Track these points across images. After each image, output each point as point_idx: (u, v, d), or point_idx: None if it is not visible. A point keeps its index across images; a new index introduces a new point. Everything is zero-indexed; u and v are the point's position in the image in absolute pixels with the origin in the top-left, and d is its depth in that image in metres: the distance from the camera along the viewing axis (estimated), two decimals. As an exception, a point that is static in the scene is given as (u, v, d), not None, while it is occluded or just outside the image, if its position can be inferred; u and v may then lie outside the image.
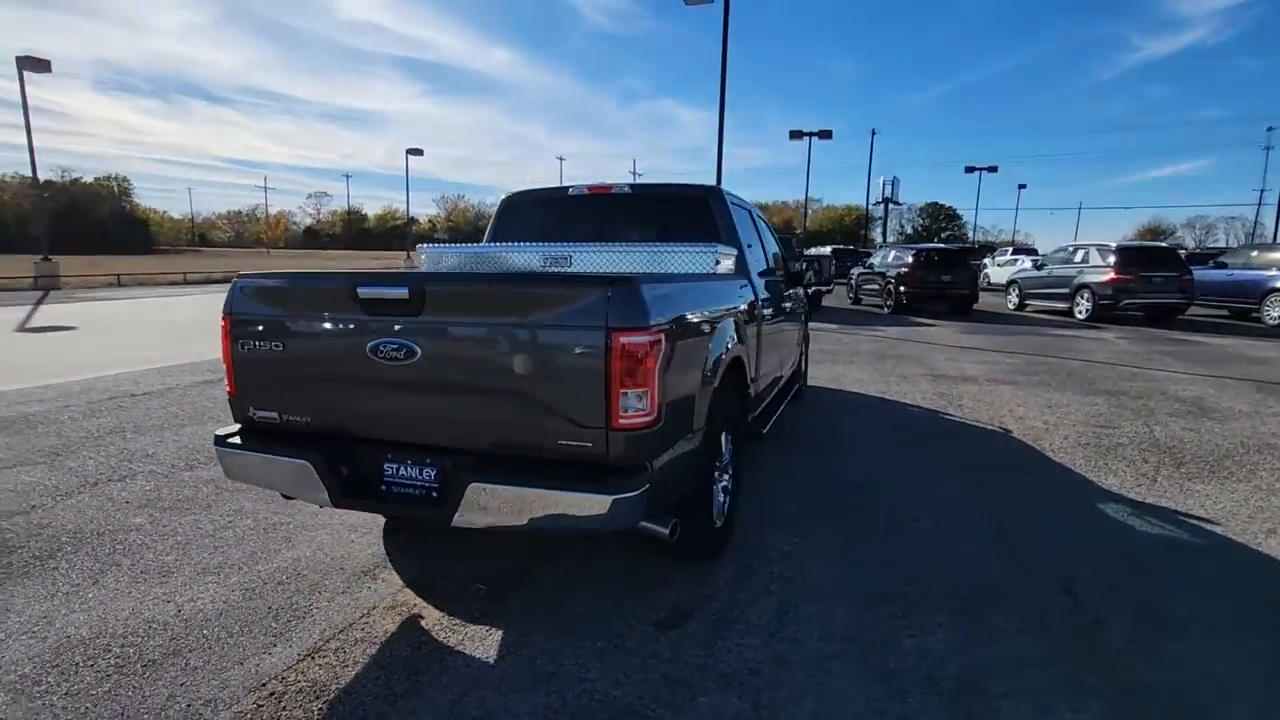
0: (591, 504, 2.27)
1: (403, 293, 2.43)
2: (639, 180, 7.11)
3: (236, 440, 2.76)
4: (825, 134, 32.84)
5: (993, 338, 11.79)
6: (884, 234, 52.60)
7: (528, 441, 2.39)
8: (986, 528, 3.62)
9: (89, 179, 75.54)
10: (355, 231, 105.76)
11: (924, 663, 2.44)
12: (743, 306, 3.58)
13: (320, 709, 2.18)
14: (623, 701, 2.23)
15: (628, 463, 2.34)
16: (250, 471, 2.77)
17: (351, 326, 2.55)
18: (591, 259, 3.69)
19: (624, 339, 2.24)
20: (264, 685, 2.30)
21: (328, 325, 2.60)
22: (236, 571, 3.07)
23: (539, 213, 4.45)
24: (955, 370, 8.44)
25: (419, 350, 2.44)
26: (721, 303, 3.19)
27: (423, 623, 2.70)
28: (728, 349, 3.12)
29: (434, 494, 2.54)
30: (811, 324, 7.51)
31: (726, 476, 3.31)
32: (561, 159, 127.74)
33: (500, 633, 2.63)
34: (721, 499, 3.23)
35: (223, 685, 2.29)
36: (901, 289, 16.59)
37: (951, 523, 3.68)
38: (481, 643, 2.56)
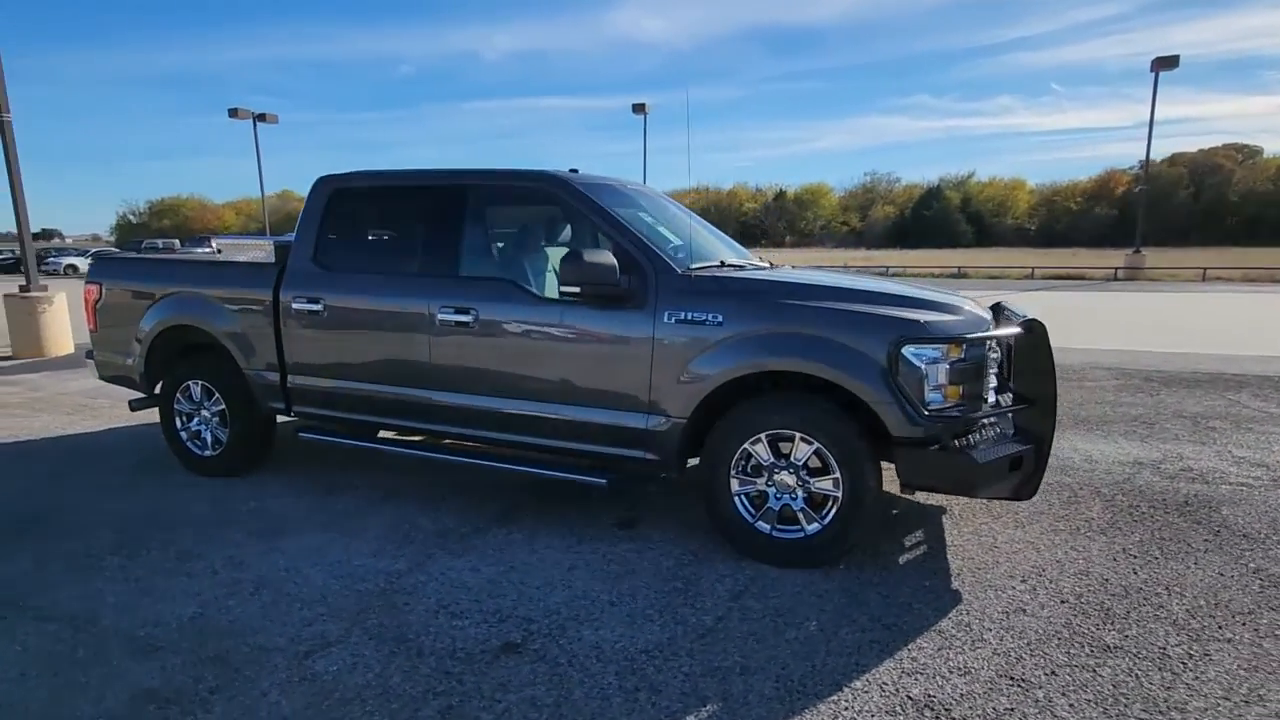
0: None
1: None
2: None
3: None
4: None
5: None
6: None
7: None
8: None
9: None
10: None
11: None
12: (231, 290, 4.14)
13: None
14: None
15: None
16: None
17: None
18: None
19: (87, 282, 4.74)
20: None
21: None
22: None
23: None
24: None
25: None
26: (168, 281, 4.41)
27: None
28: (167, 314, 4.33)
29: None
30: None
31: (200, 416, 4.38)
32: None
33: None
34: (197, 428, 4.41)
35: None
36: None
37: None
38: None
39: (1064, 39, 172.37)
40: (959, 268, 30.16)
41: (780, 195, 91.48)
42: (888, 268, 29.97)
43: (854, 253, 56.65)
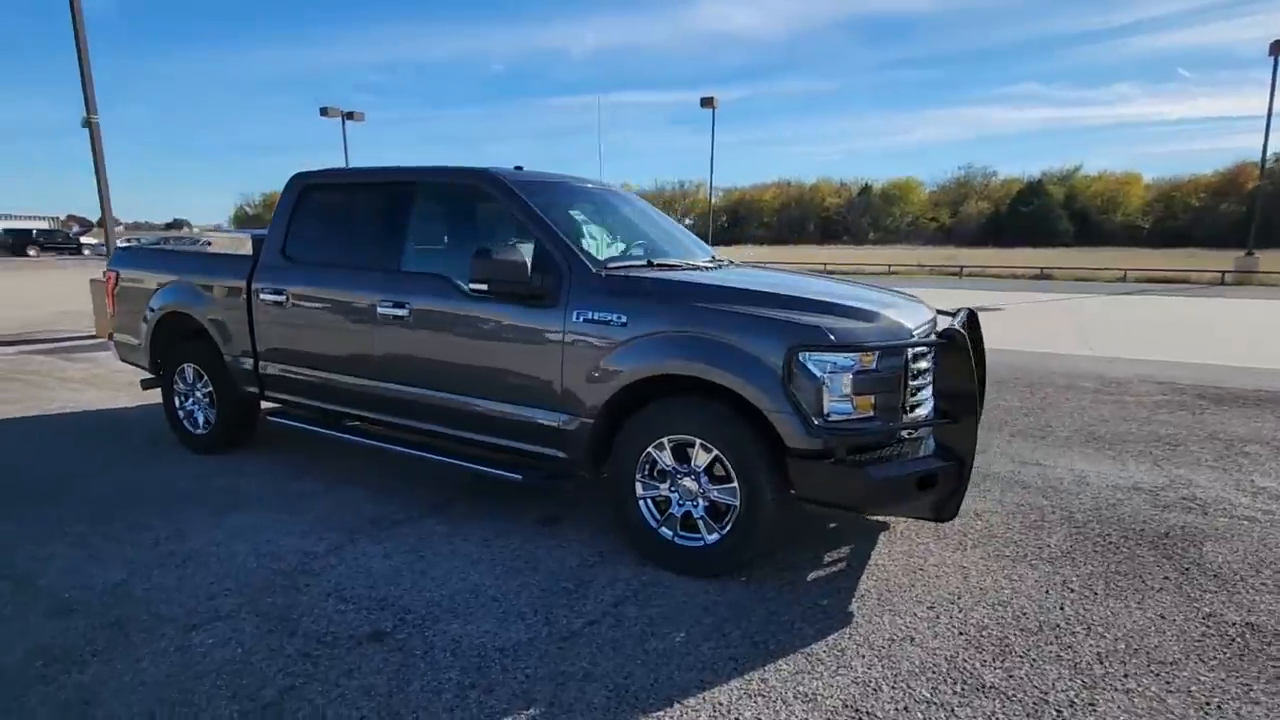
0: None
1: None
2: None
3: None
4: None
5: None
6: None
7: None
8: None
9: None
10: None
11: None
12: (213, 280, 4.44)
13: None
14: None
15: None
16: None
17: None
18: None
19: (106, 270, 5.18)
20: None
21: None
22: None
23: None
24: None
25: None
26: (166, 269, 4.73)
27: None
28: (165, 301, 4.64)
29: None
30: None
31: (194, 397, 4.70)
32: None
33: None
34: (191, 408, 4.70)
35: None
36: None
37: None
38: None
39: (1192, 20, 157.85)
40: (1041, 269, 28.11)
41: (865, 190, 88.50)
42: (962, 268, 28.39)
43: (937, 250, 53.87)
